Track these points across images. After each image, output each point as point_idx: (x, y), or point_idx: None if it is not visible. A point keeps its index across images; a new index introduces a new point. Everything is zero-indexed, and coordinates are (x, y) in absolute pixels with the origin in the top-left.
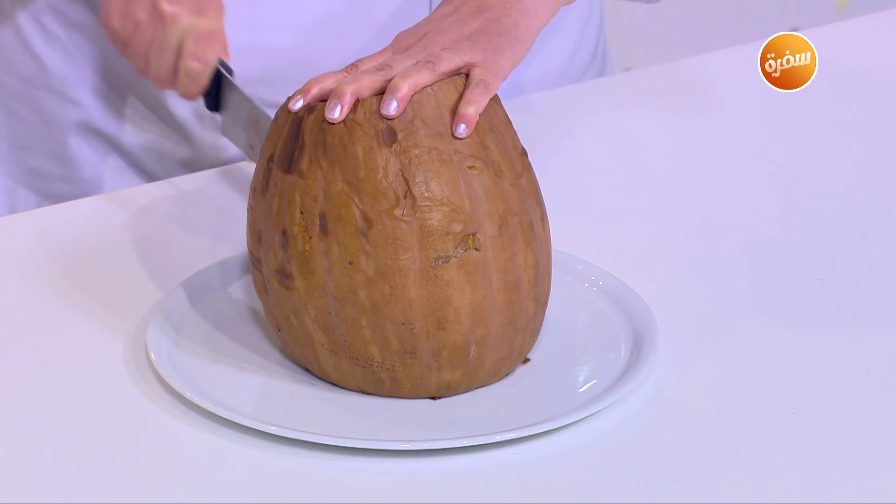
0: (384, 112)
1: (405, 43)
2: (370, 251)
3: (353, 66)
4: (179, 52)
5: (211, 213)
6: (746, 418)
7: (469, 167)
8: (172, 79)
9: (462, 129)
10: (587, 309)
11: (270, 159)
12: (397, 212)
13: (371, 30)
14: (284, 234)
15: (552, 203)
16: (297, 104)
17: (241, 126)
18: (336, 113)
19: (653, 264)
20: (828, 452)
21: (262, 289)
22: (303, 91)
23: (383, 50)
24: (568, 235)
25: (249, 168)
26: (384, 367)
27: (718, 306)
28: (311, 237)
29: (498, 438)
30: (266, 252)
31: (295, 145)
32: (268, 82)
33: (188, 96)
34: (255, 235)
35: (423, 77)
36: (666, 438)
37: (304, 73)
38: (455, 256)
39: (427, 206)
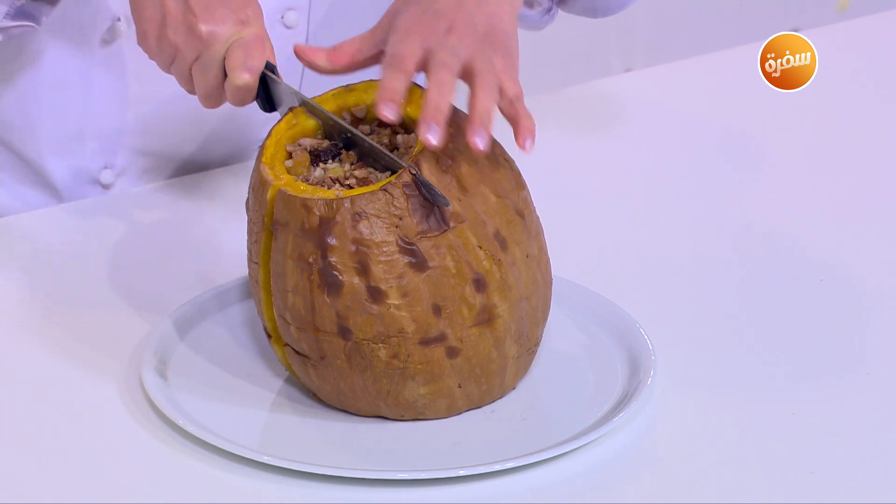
0: (476, 145)
1: (419, 26)
2: (533, 233)
3: (399, 59)
4: (226, 66)
5: (208, 217)
6: (746, 419)
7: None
8: (219, 94)
9: (529, 143)
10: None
11: (406, 248)
12: (524, 193)
13: None
14: (477, 278)
15: (550, 209)
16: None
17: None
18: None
19: (651, 267)
20: (828, 452)
21: (444, 358)
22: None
23: (410, 28)
24: (565, 239)
25: None
26: (531, 351)
27: (719, 307)
28: (499, 260)
29: (500, 467)
30: (454, 316)
31: (432, 206)
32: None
33: (240, 105)
34: (428, 316)
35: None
36: (666, 438)
37: None
38: None
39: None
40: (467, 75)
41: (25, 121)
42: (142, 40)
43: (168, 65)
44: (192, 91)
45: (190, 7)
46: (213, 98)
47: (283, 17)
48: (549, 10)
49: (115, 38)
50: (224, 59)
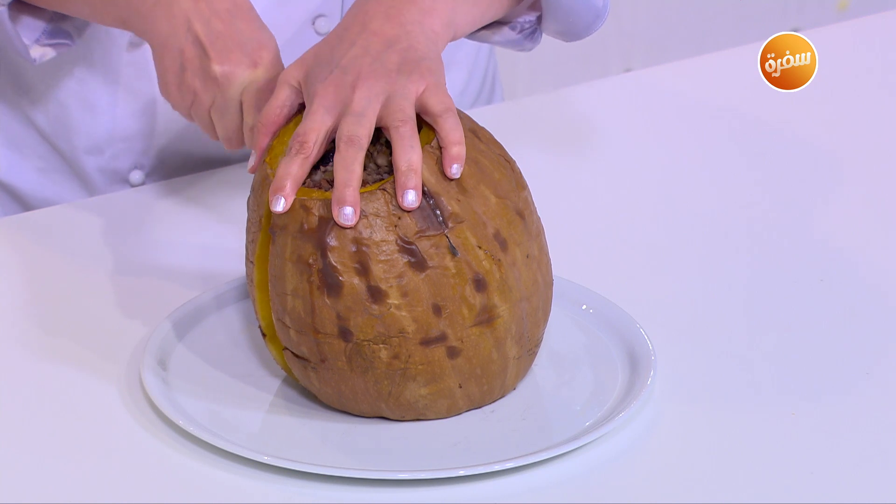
0: (408, 206)
1: (325, 91)
2: (533, 234)
3: (300, 141)
4: (243, 108)
5: (207, 216)
6: (747, 418)
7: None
8: (240, 137)
9: (456, 169)
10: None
11: (406, 247)
12: (524, 193)
13: None
14: (477, 278)
15: (550, 209)
16: (281, 206)
17: None
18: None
19: (651, 267)
20: (828, 453)
21: (445, 359)
22: (279, 191)
23: (313, 100)
24: (565, 239)
25: None
26: (532, 352)
27: (719, 307)
28: (499, 260)
29: (504, 466)
30: (455, 316)
31: (433, 207)
32: None
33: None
34: (428, 316)
35: (416, 152)
36: (666, 438)
37: None
38: None
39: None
40: (384, 129)
41: (62, 116)
42: (164, 90)
43: (188, 109)
44: (214, 137)
45: (205, 50)
46: (235, 140)
47: (314, 24)
48: (534, 32)
49: (142, 42)
50: (241, 101)
